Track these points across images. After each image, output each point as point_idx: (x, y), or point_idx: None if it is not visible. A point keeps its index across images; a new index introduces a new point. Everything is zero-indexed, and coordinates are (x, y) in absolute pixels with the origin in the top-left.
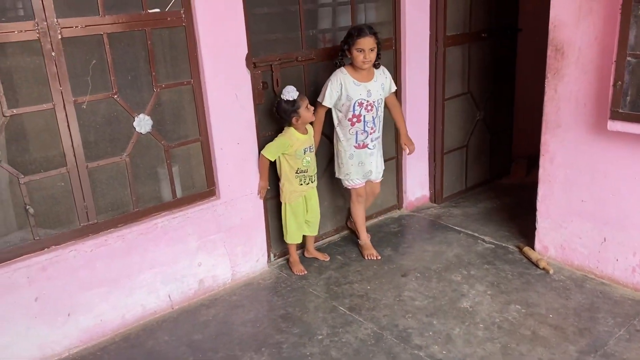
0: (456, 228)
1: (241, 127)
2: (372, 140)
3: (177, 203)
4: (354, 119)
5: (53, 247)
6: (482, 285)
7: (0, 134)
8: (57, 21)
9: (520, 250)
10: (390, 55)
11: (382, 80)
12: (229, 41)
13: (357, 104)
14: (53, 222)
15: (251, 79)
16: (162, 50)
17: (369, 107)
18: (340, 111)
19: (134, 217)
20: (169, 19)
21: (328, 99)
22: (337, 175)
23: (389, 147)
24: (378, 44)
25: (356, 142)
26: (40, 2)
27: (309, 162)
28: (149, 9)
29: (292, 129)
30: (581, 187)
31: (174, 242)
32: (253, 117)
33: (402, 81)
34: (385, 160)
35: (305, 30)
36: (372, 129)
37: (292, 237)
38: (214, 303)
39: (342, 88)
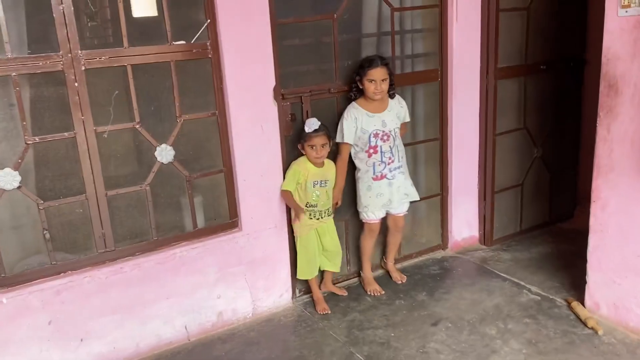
0: (502, 275)
1: (266, 159)
2: (390, 171)
3: (198, 234)
4: (371, 150)
5: (69, 272)
6: (517, 342)
7: (22, 160)
8: (81, 53)
9: (569, 305)
10: (435, 88)
11: (398, 110)
12: (256, 73)
13: (372, 135)
14: (70, 247)
15: (278, 111)
16: (187, 82)
17: (385, 137)
18: (357, 144)
19: (152, 246)
20: (194, 50)
21: (347, 135)
22: (358, 207)
23: (432, 183)
24: (390, 74)
25: (374, 174)
26: (66, 35)
27: (319, 196)
28: (175, 41)
29: (305, 158)
30: (637, 239)
31: (192, 272)
32: (279, 149)
33: (449, 114)
34: (428, 197)
35: (340, 62)
36: (390, 159)
37: (302, 272)
38: (231, 337)
39: (356, 122)
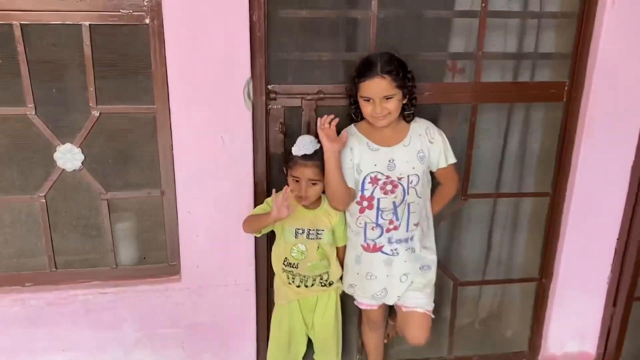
0: None
1: (228, 187)
2: (391, 242)
3: (116, 274)
4: (364, 203)
5: None
6: None
7: None
8: None
9: None
10: (557, 112)
11: (422, 146)
12: (219, 56)
13: (368, 179)
14: None
15: (258, 116)
16: (108, 58)
17: (390, 188)
18: None
19: (46, 279)
20: (122, 12)
21: (345, 174)
22: (343, 281)
23: (531, 260)
24: (404, 87)
25: (364, 240)
26: None
27: (304, 253)
28: None
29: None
30: None
31: (100, 324)
32: (250, 173)
33: (575, 158)
34: (519, 280)
35: (378, 50)
36: (391, 223)
37: (271, 355)
38: None
39: (352, 152)
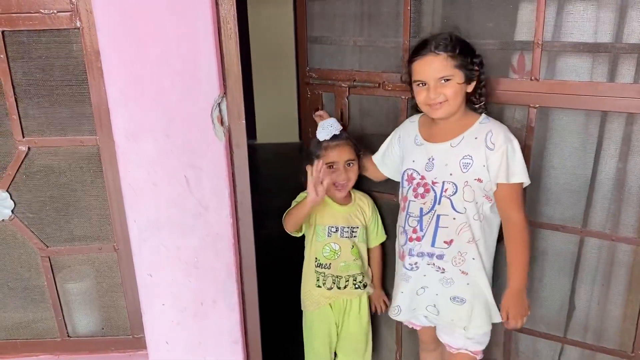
0: None
1: (197, 241)
2: (411, 255)
3: (65, 347)
4: (401, 203)
5: None
6: None
7: None
8: None
9: None
10: None
11: (473, 151)
12: (175, 67)
13: (405, 176)
14: None
15: (228, 147)
16: (34, 74)
17: (421, 191)
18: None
19: None
20: (42, 12)
21: (379, 151)
22: None
23: (622, 327)
24: (463, 68)
25: (398, 245)
26: None
27: (337, 252)
28: None
29: None
30: None
31: None
32: (229, 223)
33: None
34: (601, 350)
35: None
36: (414, 231)
37: None
38: None
39: (399, 141)
